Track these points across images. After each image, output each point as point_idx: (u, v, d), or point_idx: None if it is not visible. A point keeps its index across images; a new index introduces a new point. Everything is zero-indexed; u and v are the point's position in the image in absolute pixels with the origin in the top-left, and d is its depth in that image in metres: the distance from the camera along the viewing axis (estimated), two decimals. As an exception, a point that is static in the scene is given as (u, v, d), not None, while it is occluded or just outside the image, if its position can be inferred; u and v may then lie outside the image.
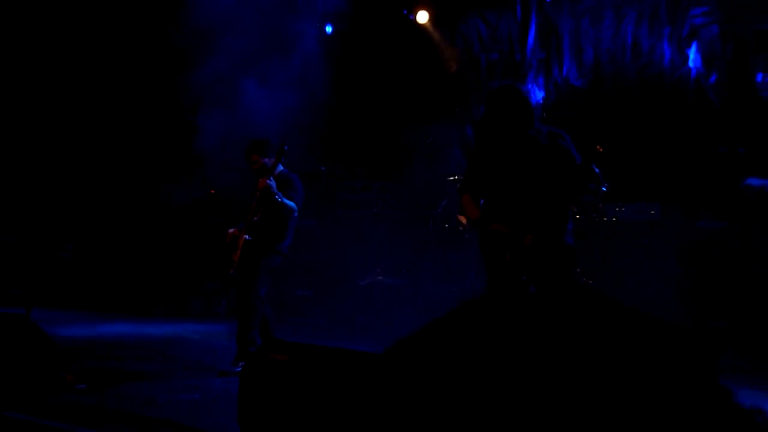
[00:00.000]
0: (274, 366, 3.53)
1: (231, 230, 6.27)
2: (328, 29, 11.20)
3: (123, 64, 11.41)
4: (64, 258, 11.21)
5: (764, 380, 5.78)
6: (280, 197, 6.05)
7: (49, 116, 11.47)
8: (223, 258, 6.22)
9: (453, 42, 11.16)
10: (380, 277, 9.37)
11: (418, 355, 2.73)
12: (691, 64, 8.76)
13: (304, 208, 6.36)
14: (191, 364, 6.48)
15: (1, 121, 11.32)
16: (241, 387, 3.62)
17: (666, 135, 8.58)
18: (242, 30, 9.23)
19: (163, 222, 11.25)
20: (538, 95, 10.08)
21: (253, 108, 9.02)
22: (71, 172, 11.02)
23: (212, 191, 10.39)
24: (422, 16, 10.98)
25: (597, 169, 4.28)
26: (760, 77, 8.13)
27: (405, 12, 11.14)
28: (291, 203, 6.17)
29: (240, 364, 5.74)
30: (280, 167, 6.28)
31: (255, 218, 6.15)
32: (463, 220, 8.84)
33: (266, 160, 6.28)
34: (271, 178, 6.04)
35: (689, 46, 8.78)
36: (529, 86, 10.04)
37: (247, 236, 6.07)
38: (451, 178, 9.06)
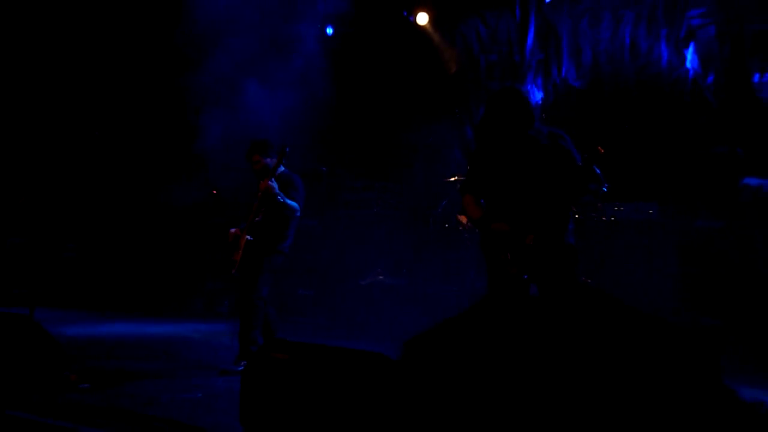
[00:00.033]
0: (275, 365, 3.54)
1: (233, 230, 6.30)
2: (329, 31, 11.23)
3: (125, 66, 11.44)
4: (67, 258, 11.27)
5: (762, 379, 5.78)
6: (282, 198, 6.09)
7: (52, 118, 11.50)
8: (224, 258, 6.26)
9: (452, 43, 11.18)
10: (381, 277, 9.39)
11: (429, 357, 2.74)
12: (688, 64, 8.78)
13: (305, 208, 6.39)
14: (193, 363, 6.49)
15: (4, 123, 11.37)
16: (243, 386, 3.64)
17: (664, 135, 8.59)
18: (244, 32, 9.27)
19: (165, 222, 11.28)
20: (537, 96, 10.10)
21: (254, 108, 9.06)
22: (74, 173, 11.05)
23: (214, 192, 10.42)
24: (422, 18, 11.00)
25: (598, 170, 4.30)
26: (756, 78, 8.14)
27: (405, 13, 11.15)
28: (293, 203, 6.21)
29: (242, 363, 5.77)
30: (281, 168, 6.33)
31: (257, 219, 6.19)
32: (463, 219, 8.88)
33: (268, 160, 6.32)
34: (273, 179, 6.09)
35: (687, 47, 8.80)
36: (528, 87, 10.07)
37: (249, 237, 6.12)
38: (452, 178, 9.08)
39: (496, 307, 2.88)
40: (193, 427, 4.24)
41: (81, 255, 11.67)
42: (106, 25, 11.21)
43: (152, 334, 8.34)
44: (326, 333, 8.44)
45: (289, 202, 6.16)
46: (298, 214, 6.30)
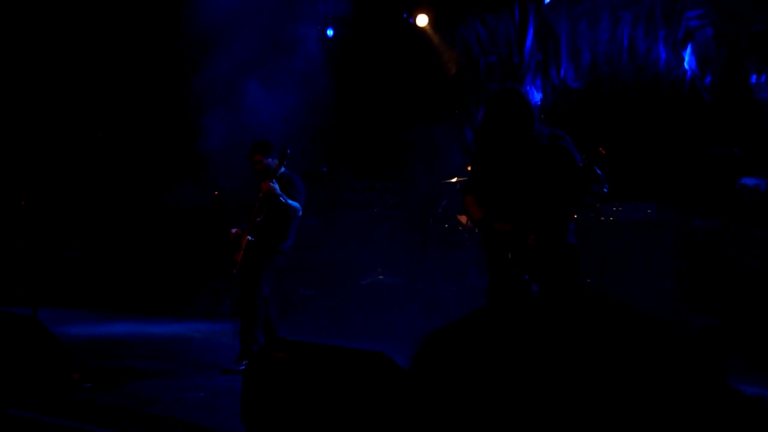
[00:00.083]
0: (276, 364, 3.56)
1: (233, 230, 6.34)
2: (330, 32, 11.27)
3: (127, 67, 11.47)
4: (70, 258, 11.31)
5: (762, 378, 5.80)
6: (284, 198, 6.13)
7: (54, 119, 11.54)
8: (226, 258, 6.30)
9: (452, 45, 11.21)
10: (381, 277, 9.42)
11: (441, 358, 2.75)
12: (686, 65, 8.80)
13: (305, 208, 6.43)
14: (195, 362, 6.50)
15: (7, 124, 11.41)
16: (245, 385, 3.67)
17: (662, 135, 8.61)
18: (245, 33, 9.31)
19: (167, 222, 11.31)
20: (536, 97, 10.13)
21: (255, 109, 9.11)
22: (77, 174, 11.09)
23: (216, 192, 10.48)
24: (422, 20, 11.03)
25: (599, 171, 4.32)
26: (754, 78, 8.17)
27: (405, 15, 11.19)
28: (295, 203, 6.25)
29: (243, 362, 5.79)
30: (282, 168, 6.37)
31: (258, 219, 6.24)
32: (463, 219, 8.91)
33: (269, 160, 6.36)
34: (274, 180, 6.14)
35: (684, 48, 8.83)
36: (527, 88, 10.09)
37: (250, 237, 6.16)
38: (452, 180, 9.12)
39: (506, 311, 2.88)
40: (196, 426, 4.25)
41: (84, 255, 11.71)
42: (109, 27, 11.23)
43: (154, 333, 8.37)
44: (327, 332, 8.45)
45: (290, 202, 6.21)
46: (300, 214, 6.34)
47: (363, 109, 11.28)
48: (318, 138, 10.36)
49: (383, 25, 11.25)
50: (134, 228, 11.85)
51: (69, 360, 5.31)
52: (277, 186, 6.10)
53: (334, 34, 11.28)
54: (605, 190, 4.47)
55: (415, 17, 11.04)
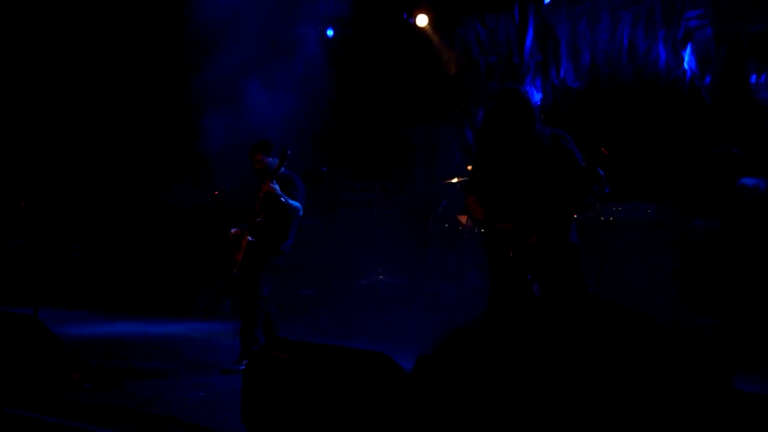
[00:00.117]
0: (276, 364, 3.57)
1: (233, 230, 6.35)
2: (330, 32, 11.28)
3: (128, 68, 11.49)
4: (71, 258, 11.33)
5: (760, 377, 5.81)
6: (285, 199, 6.14)
7: (55, 119, 11.55)
8: (226, 258, 6.30)
9: (452, 45, 11.22)
10: (381, 277, 9.43)
11: (442, 371, 2.73)
12: (686, 65, 8.80)
13: (305, 208, 6.43)
14: (196, 362, 6.52)
15: (8, 125, 11.43)
16: (245, 385, 3.67)
17: (662, 135, 8.62)
18: (245, 33, 9.32)
19: (167, 223, 11.33)
20: (536, 97, 10.12)
21: (256, 110, 9.11)
22: (78, 174, 11.10)
23: (216, 192, 10.49)
24: (422, 20, 11.02)
25: (602, 172, 4.33)
26: (753, 78, 8.17)
27: (405, 16, 11.20)
28: (296, 203, 6.26)
29: (244, 362, 5.78)
30: (282, 169, 6.37)
31: (258, 219, 6.25)
32: (463, 219, 8.92)
33: (269, 159, 6.36)
34: (274, 180, 6.14)
35: (684, 48, 8.83)
36: (527, 88, 10.10)
37: (250, 238, 6.17)
38: (452, 180, 9.12)
39: (508, 320, 2.86)
40: (196, 426, 4.25)
41: (84, 255, 11.74)
42: (109, 28, 11.25)
43: (155, 333, 8.37)
44: (327, 332, 8.44)
45: (291, 202, 6.21)
46: (301, 213, 6.35)
47: (363, 109, 11.29)
48: (318, 138, 10.37)
49: (383, 25, 11.26)
50: (134, 228, 11.86)
51: (69, 360, 5.33)
52: (277, 186, 6.10)
53: (334, 34, 11.29)
54: (607, 190, 4.47)
55: (415, 17, 11.03)
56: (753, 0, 8.31)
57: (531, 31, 10.39)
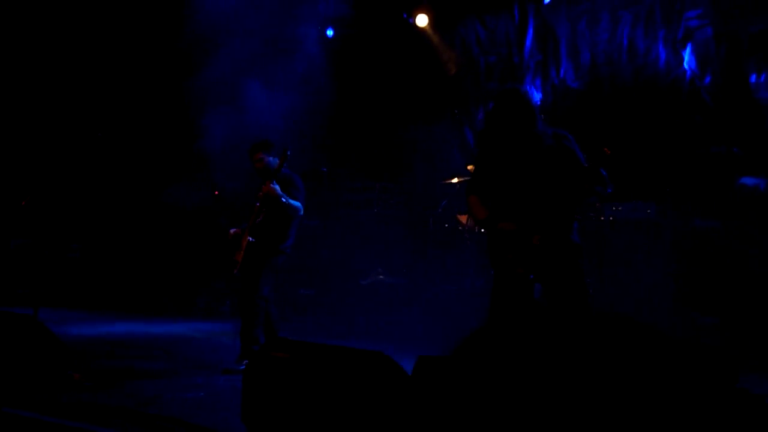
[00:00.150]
0: (277, 364, 3.57)
1: (233, 230, 6.36)
2: (330, 32, 11.29)
3: (128, 68, 11.49)
4: (71, 258, 11.33)
5: (760, 376, 5.82)
6: (285, 199, 6.14)
7: (55, 119, 11.56)
8: (226, 258, 6.30)
9: (452, 45, 11.23)
10: (381, 277, 9.43)
11: (446, 379, 2.73)
12: (686, 65, 8.81)
13: (306, 208, 6.44)
14: (196, 362, 6.51)
15: (7, 125, 11.43)
16: (245, 385, 3.68)
17: (661, 135, 8.62)
18: (245, 33, 9.32)
19: (168, 223, 11.34)
20: (536, 97, 10.12)
21: (256, 109, 9.11)
22: (78, 174, 11.11)
23: (216, 192, 10.49)
24: (422, 20, 11.03)
25: (604, 172, 4.32)
26: (753, 78, 8.18)
27: (405, 16, 11.20)
28: (296, 203, 6.26)
29: (244, 362, 5.79)
30: (282, 169, 6.38)
31: (258, 219, 6.25)
32: (463, 219, 8.92)
33: (270, 159, 6.36)
34: (274, 181, 6.15)
35: (684, 48, 8.84)
36: (527, 88, 10.10)
37: (250, 238, 6.17)
38: (452, 180, 9.13)
39: (516, 327, 2.86)
40: (196, 426, 4.25)
41: (85, 255, 11.74)
42: (109, 27, 11.25)
43: (155, 333, 8.37)
44: (327, 332, 8.45)
45: (292, 202, 6.21)
46: (301, 213, 6.35)
47: (363, 109, 11.29)
48: (318, 138, 10.37)
49: (383, 25, 11.27)
50: (135, 228, 11.87)
51: (69, 360, 5.33)
52: (278, 187, 6.11)
53: (334, 34, 11.30)
54: (609, 190, 4.46)
55: (415, 17, 11.04)
56: (753, 0, 8.32)
57: (531, 31, 10.40)
